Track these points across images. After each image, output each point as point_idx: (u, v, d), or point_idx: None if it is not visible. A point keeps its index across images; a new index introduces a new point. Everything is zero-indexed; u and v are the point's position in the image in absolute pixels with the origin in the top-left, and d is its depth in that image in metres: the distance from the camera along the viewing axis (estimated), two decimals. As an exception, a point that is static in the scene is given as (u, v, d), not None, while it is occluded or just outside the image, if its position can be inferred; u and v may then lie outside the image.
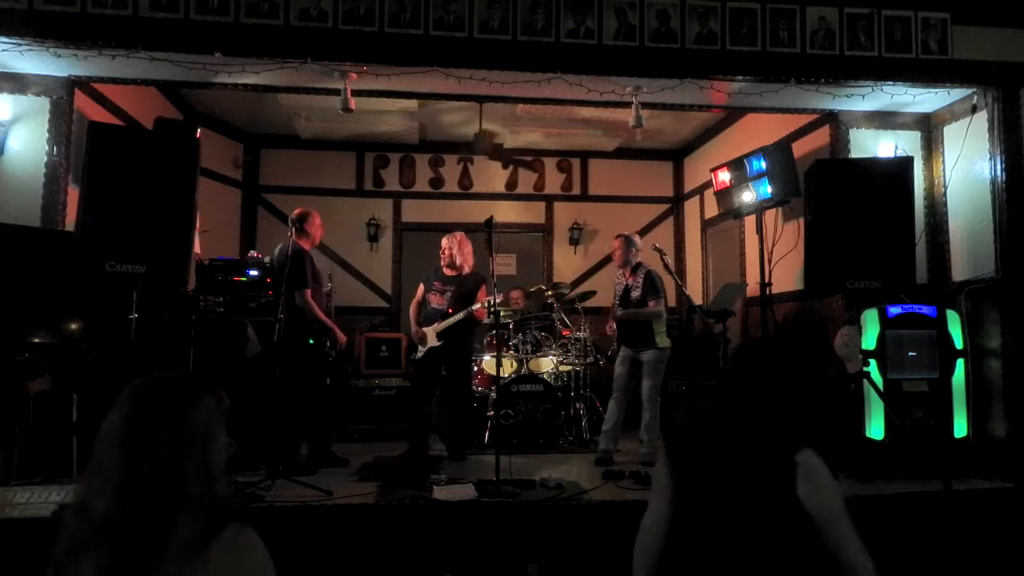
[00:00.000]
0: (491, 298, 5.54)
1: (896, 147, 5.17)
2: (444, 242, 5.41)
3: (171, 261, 3.91)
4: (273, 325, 4.37)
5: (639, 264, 5.35)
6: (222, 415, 1.44)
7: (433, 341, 5.26)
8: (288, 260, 4.71)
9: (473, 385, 6.21)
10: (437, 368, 5.30)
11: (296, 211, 5.04)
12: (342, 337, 4.93)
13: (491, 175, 8.21)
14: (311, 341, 4.77)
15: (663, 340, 5.17)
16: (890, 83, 4.70)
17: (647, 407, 5.11)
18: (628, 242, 5.37)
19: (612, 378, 5.32)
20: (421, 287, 5.52)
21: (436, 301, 5.34)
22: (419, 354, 5.33)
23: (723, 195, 6.26)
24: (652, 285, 5.19)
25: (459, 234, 5.46)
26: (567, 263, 8.14)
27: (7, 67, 4.46)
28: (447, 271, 5.40)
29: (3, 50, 4.19)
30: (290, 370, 4.60)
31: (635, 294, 5.21)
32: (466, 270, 5.38)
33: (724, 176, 6.18)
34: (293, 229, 4.92)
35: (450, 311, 5.27)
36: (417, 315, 5.44)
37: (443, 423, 5.71)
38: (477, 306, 5.29)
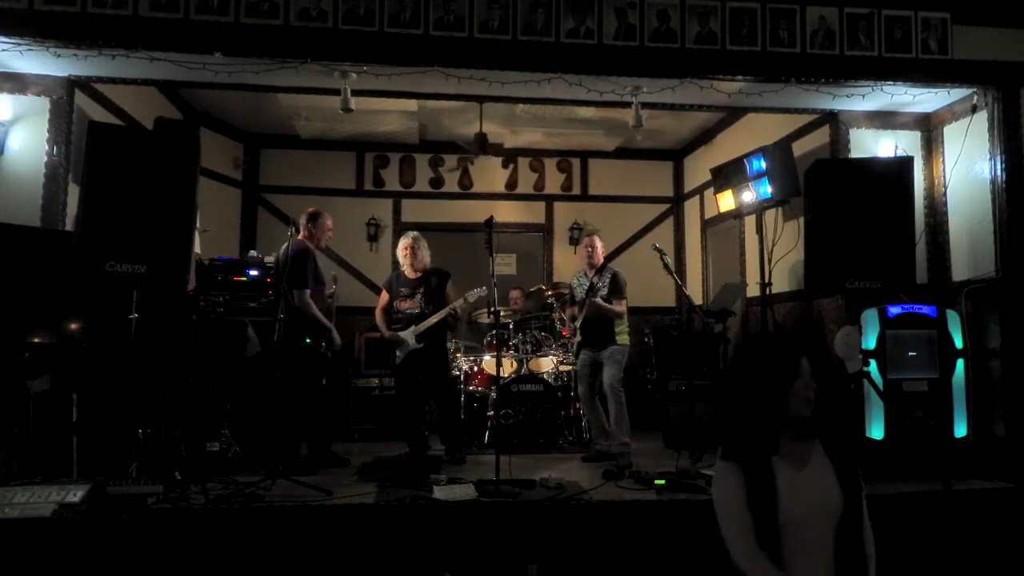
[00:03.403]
0: (479, 295, 5.60)
1: (896, 147, 5.17)
2: (406, 243, 5.40)
3: (171, 261, 3.91)
4: (273, 325, 4.37)
5: (605, 264, 5.44)
6: None
7: (413, 344, 5.26)
8: (289, 259, 4.72)
9: (473, 385, 6.22)
10: (419, 370, 5.31)
11: (308, 209, 5.08)
12: (338, 339, 4.93)
13: (491, 175, 8.21)
14: (308, 340, 4.77)
15: (623, 339, 5.28)
16: (890, 83, 4.70)
17: (611, 398, 5.12)
18: (598, 242, 5.49)
19: None
20: (386, 293, 5.51)
21: (408, 305, 5.35)
22: (399, 359, 5.33)
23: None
24: (618, 285, 5.28)
25: (415, 233, 5.49)
26: (567, 263, 8.13)
27: (7, 67, 4.46)
28: (411, 273, 5.40)
29: (3, 50, 4.19)
30: (287, 369, 4.61)
31: (601, 293, 5.24)
32: (427, 268, 5.40)
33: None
34: (302, 226, 4.94)
35: (426, 311, 5.28)
36: (386, 321, 5.43)
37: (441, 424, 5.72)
38: (459, 302, 5.36)
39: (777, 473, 1.98)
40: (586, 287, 5.38)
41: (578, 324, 5.37)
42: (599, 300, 5.18)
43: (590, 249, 5.43)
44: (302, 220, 5.02)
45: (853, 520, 1.98)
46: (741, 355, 2.18)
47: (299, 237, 4.95)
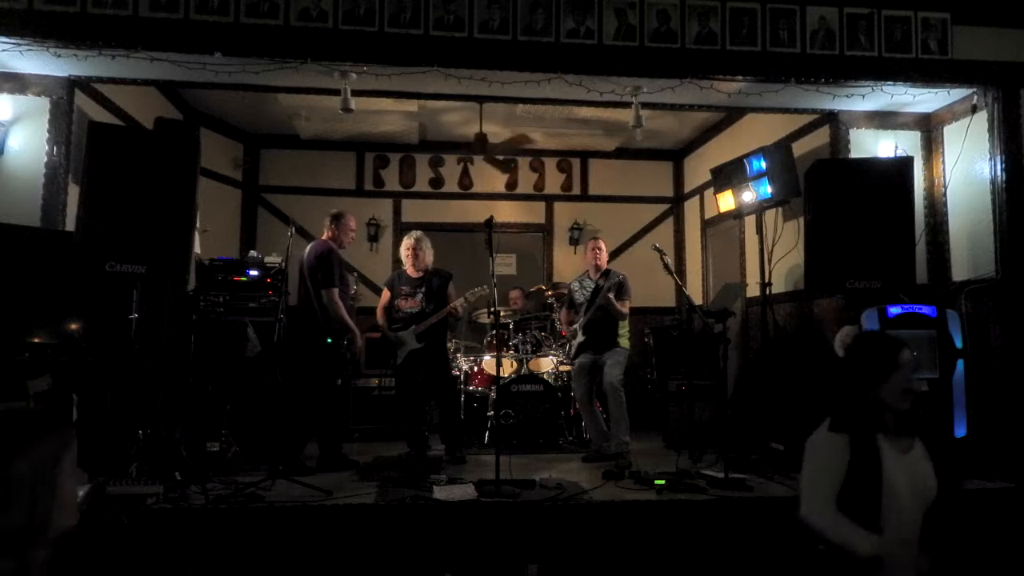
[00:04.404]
0: (480, 294, 5.61)
1: (896, 147, 5.17)
2: (409, 242, 5.39)
3: (171, 261, 3.91)
4: (273, 325, 4.38)
5: (608, 268, 5.48)
6: (58, 460, 1.18)
7: (413, 343, 5.26)
8: (315, 259, 4.73)
9: (473, 385, 6.22)
10: (420, 370, 5.31)
11: (333, 211, 5.14)
12: (360, 341, 4.95)
13: (491, 175, 8.20)
14: (328, 340, 4.78)
15: (625, 342, 5.37)
16: (890, 83, 4.70)
17: (611, 398, 5.14)
18: (603, 244, 5.56)
19: None
20: (387, 292, 5.51)
21: (409, 304, 5.34)
22: (400, 358, 5.33)
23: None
24: (626, 288, 5.35)
25: (418, 232, 5.49)
26: (567, 263, 8.13)
27: (7, 67, 4.46)
28: (413, 272, 5.39)
29: (3, 50, 4.19)
30: (304, 368, 4.63)
31: (609, 295, 5.24)
32: (429, 268, 5.41)
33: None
34: (325, 227, 5.00)
35: (427, 311, 5.28)
36: (386, 320, 5.44)
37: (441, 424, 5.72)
38: (460, 301, 5.37)
39: (882, 450, 2.12)
40: (591, 289, 5.38)
41: (580, 326, 5.37)
42: (611, 296, 5.19)
43: (597, 252, 5.45)
44: (326, 221, 5.05)
45: (940, 513, 2.19)
46: (854, 344, 2.36)
47: (323, 237, 4.98)
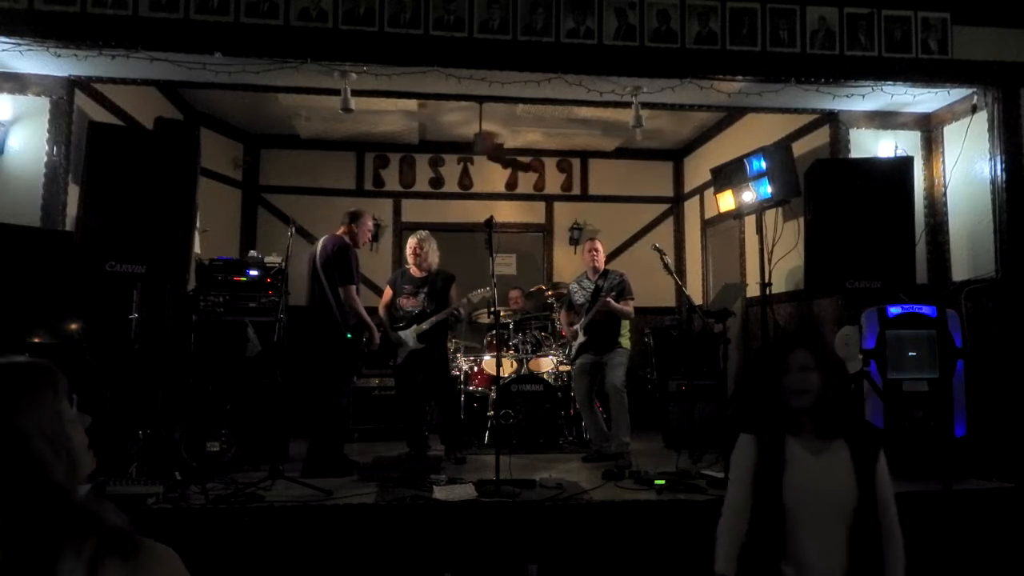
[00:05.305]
0: (483, 296, 5.61)
1: (896, 147, 5.17)
2: (413, 242, 5.40)
3: (171, 261, 3.91)
4: (273, 325, 4.38)
5: (607, 269, 5.50)
6: (59, 412, 1.24)
7: (414, 344, 5.26)
8: (332, 255, 4.75)
9: (473, 385, 6.22)
10: (420, 370, 5.30)
11: (351, 209, 5.17)
12: (377, 338, 4.97)
13: (491, 175, 8.21)
14: (348, 336, 4.80)
15: (626, 342, 5.39)
16: (890, 83, 4.70)
17: (614, 398, 5.14)
18: (601, 245, 5.58)
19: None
20: (389, 290, 5.51)
21: (410, 303, 5.33)
22: (400, 358, 5.32)
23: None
24: (628, 287, 5.35)
25: (424, 232, 5.48)
26: (567, 263, 8.13)
27: (7, 67, 4.46)
28: (416, 272, 5.39)
29: (3, 50, 4.19)
30: (320, 365, 4.66)
31: (611, 295, 5.24)
32: (433, 269, 5.40)
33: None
34: (343, 224, 5.01)
35: (428, 310, 5.28)
36: (388, 318, 5.44)
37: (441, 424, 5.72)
38: (463, 302, 5.38)
39: (788, 451, 2.10)
40: (591, 290, 5.38)
41: (581, 327, 5.36)
42: (610, 299, 5.18)
43: (594, 253, 5.46)
44: (344, 218, 5.06)
45: (868, 519, 2.07)
46: (764, 349, 2.39)
47: (339, 233, 4.98)
